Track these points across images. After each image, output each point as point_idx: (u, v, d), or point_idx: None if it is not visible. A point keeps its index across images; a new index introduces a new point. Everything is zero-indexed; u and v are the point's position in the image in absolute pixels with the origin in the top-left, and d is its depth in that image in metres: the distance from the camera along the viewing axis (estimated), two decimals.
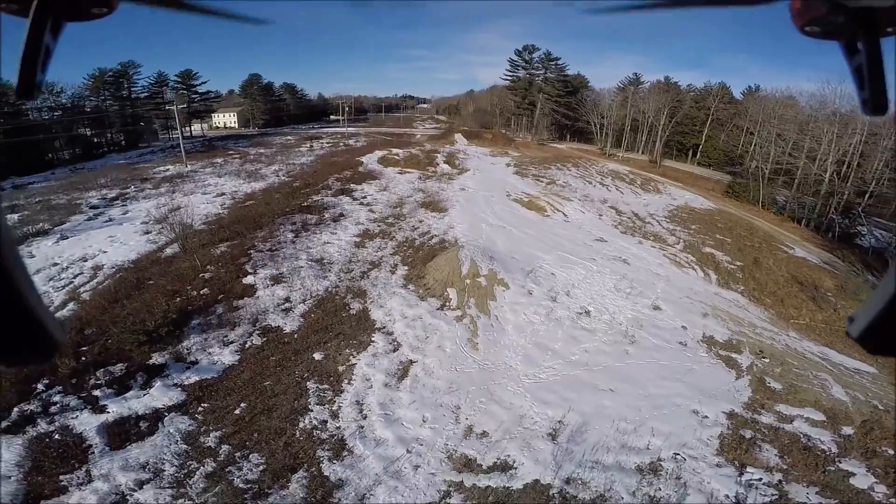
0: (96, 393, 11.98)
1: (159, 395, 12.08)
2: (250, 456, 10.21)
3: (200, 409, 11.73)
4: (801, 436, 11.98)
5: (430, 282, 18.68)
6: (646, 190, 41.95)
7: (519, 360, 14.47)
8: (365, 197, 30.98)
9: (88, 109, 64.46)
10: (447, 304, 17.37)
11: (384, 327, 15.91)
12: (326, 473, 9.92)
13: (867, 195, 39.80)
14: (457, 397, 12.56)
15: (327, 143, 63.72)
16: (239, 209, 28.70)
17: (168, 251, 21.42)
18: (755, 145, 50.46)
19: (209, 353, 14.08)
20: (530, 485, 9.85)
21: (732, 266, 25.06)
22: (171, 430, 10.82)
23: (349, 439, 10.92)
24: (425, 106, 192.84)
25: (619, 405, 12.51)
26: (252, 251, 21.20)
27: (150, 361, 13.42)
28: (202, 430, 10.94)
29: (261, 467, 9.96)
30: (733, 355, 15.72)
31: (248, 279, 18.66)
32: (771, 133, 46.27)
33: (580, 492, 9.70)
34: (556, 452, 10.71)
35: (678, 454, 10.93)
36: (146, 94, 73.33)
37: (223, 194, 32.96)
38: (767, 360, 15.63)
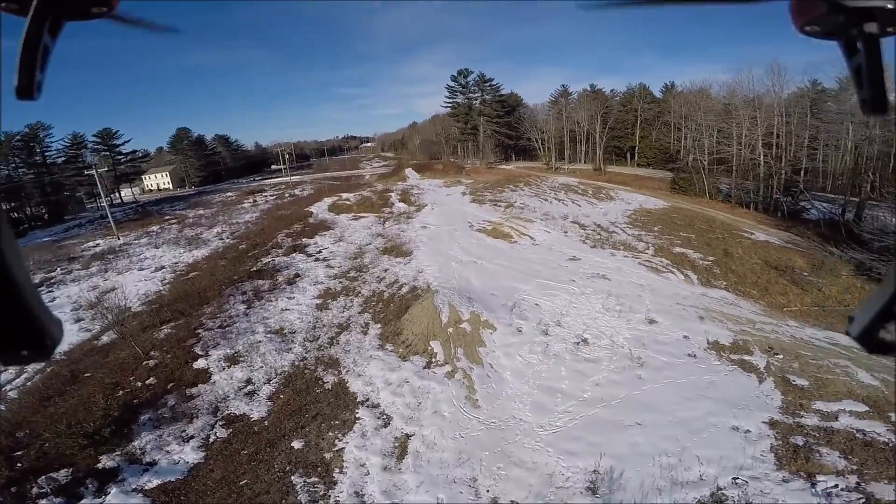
0: (43, 503, 10.47)
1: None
2: None
3: None
4: (855, 431, 11.17)
5: (409, 337, 16.89)
6: (599, 199, 42.55)
7: (528, 411, 12.91)
8: (320, 251, 28.87)
9: None
10: (433, 359, 15.63)
11: (368, 399, 13.96)
12: None
13: (802, 171, 42.50)
14: (470, 468, 10.83)
15: (271, 195, 61.02)
16: (181, 283, 25.87)
17: (104, 339, 19.14)
18: (687, 139, 53.37)
19: (167, 452, 12.06)
20: None
21: (707, 262, 25.17)
22: None
23: None
24: (369, 144, 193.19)
25: (652, 439, 11.25)
26: (200, 330, 18.73)
27: (99, 465, 11.76)
28: None
29: None
30: (745, 357, 15.00)
31: (200, 363, 16.33)
32: (700, 125, 48.81)
33: None
34: None
35: (737, 478, 9.81)
36: (63, 157, 67.12)
37: (162, 268, 29.83)
38: (781, 357, 15.02)
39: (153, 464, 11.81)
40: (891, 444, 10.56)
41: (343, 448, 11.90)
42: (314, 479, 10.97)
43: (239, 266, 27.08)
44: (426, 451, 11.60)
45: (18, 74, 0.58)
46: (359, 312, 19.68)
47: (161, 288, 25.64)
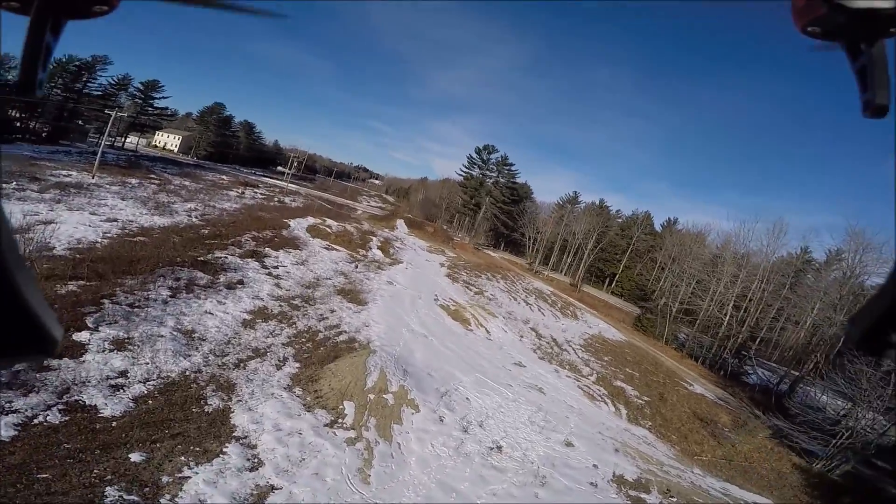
0: None
1: None
2: None
3: None
4: None
5: (323, 388, 15.51)
6: (565, 315, 42.78)
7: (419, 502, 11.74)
8: (277, 267, 27.64)
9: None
10: (340, 420, 14.22)
11: (246, 437, 12.37)
12: None
13: (758, 339, 44.71)
14: None
15: (261, 193, 60.23)
16: (122, 243, 24.19)
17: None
18: (665, 281, 55.21)
19: None
20: None
21: (640, 401, 26.02)
22: None
23: None
24: (377, 182, 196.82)
25: None
26: (107, 300, 16.95)
27: None
28: None
29: None
30: (642, 495, 15.43)
31: (82, 335, 14.41)
32: (683, 271, 50.74)
33: None
34: None
35: None
36: (100, 92, 66.53)
37: (114, 220, 28.12)
38: (675, 500, 15.71)
39: None
40: None
41: (189, 477, 10.23)
42: (134, 496, 9.30)
43: (189, 250, 25.60)
44: None
45: (20, 72, 0.59)
46: (283, 344, 18.25)
47: (98, 240, 23.85)
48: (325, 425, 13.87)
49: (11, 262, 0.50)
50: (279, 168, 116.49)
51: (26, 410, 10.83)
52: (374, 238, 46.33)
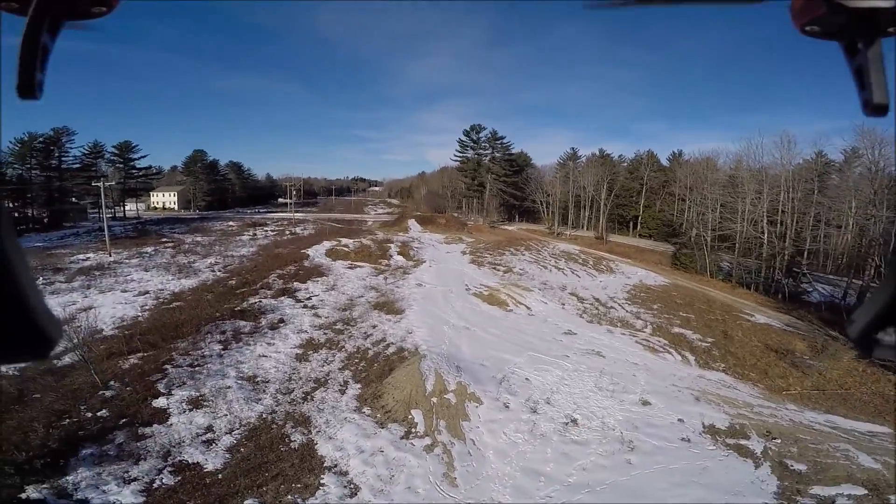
0: None
1: None
2: None
3: None
4: None
5: (389, 402, 15.73)
6: (600, 271, 42.17)
7: (509, 494, 11.84)
8: (310, 298, 28.01)
9: (11, 178, 57.59)
10: (413, 430, 14.46)
11: (336, 465, 12.76)
12: None
13: (805, 252, 42.16)
14: None
15: (272, 230, 60.98)
16: (161, 312, 24.87)
17: (65, 360, 17.55)
18: (691, 210, 53.46)
19: (103, 492, 10.89)
20: None
21: (705, 343, 24.61)
22: None
23: None
24: (377, 189, 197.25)
25: None
26: (168, 366, 17.65)
27: (24, 495, 10.70)
28: None
29: None
30: (742, 442, 14.65)
31: (160, 401, 15.20)
32: (705, 198, 48.79)
33: None
34: None
35: None
36: (78, 165, 67.10)
37: (146, 293, 28.86)
38: (779, 441, 14.78)
39: (84, 502, 10.64)
40: None
41: None
42: None
43: (224, 303, 26.16)
44: None
45: (19, 74, 0.58)
46: (339, 369, 18.57)
47: (139, 314, 24.60)
48: (401, 437, 14.14)
49: (16, 265, 0.50)
50: (279, 200, 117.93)
51: (143, 477, 11.65)
52: (392, 245, 46.48)
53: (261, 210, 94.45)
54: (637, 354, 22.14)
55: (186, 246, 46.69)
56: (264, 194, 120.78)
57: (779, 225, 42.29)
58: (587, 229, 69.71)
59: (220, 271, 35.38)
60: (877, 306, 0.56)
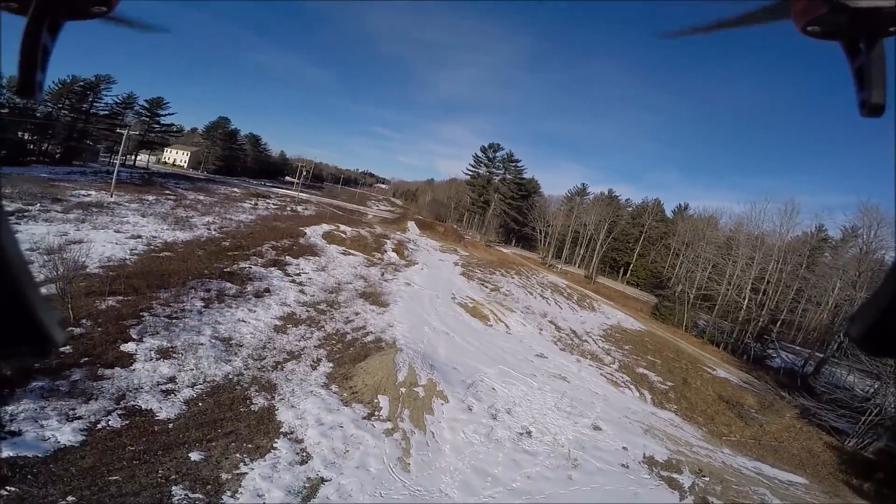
0: None
1: None
2: None
3: (4, 493, 8.51)
4: None
5: (358, 385, 16.13)
6: (582, 307, 42.97)
7: (456, 488, 12.31)
8: (299, 274, 28.39)
9: (39, 115, 57.87)
10: (376, 413, 14.86)
11: (292, 433, 13.06)
12: None
13: (779, 322, 43.69)
14: None
15: (274, 204, 61.31)
16: (150, 259, 25.07)
17: (42, 290, 17.53)
18: (682, 267, 54.72)
19: (41, 426, 10.75)
20: None
21: (664, 386, 26.10)
22: None
23: None
24: (383, 186, 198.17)
25: None
26: (146, 313, 17.79)
27: None
28: None
29: None
30: (674, 475, 15.59)
31: (129, 346, 15.25)
32: (698, 256, 50.19)
33: None
34: None
35: None
36: (107, 112, 67.89)
37: (138, 237, 29.05)
38: (707, 479, 15.87)
39: (16, 434, 10.39)
40: None
41: (245, 473, 10.89)
42: (198, 494, 9.91)
43: (214, 262, 26.43)
44: (338, 500, 10.66)
45: (19, 74, 0.59)
46: (315, 346, 18.93)
47: (127, 257, 24.75)
48: (364, 418, 14.51)
49: (14, 263, 0.50)
50: (287, 178, 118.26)
51: (89, 416, 11.59)
52: (388, 241, 46.96)
53: (267, 183, 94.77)
54: (600, 385, 23.20)
55: (188, 202, 46.93)
56: (274, 169, 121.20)
57: (761, 294, 43.81)
58: (579, 266, 70.73)
59: (215, 231, 35.60)
60: (878, 305, 0.56)
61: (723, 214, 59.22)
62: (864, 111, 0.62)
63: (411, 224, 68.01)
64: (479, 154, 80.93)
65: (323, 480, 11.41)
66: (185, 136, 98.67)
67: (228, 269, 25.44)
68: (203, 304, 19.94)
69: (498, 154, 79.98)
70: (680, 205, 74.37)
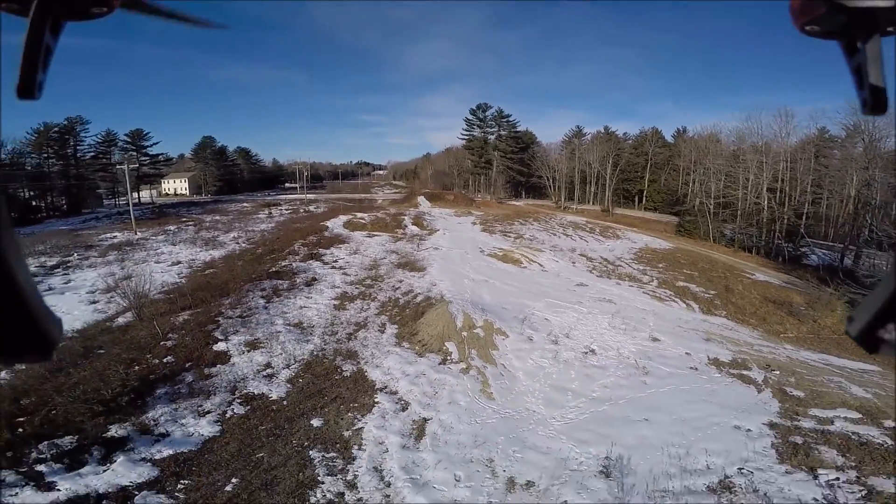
0: (41, 468, 10.11)
1: (124, 471, 10.12)
2: None
3: (181, 486, 9.76)
4: (850, 434, 11.78)
5: (424, 338, 17.56)
6: (606, 237, 43.74)
7: (541, 404, 13.55)
8: (336, 261, 29.83)
9: (29, 167, 59.34)
10: (448, 358, 16.28)
11: (386, 387, 14.49)
12: None
13: (804, 217, 43.90)
14: (486, 450, 11.26)
15: (286, 209, 62.65)
16: (199, 277, 26.69)
17: (120, 321, 19.34)
18: (695, 182, 54.98)
19: (182, 425, 12.19)
20: None
21: (708, 295, 26.60)
22: None
23: None
24: (381, 172, 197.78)
25: (659, 433, 11.88)
26: (220, 318, 19.41)
27: (108, 434, 11.61)
28: None
29: None
30: (744, 372, 16.01)
31: (220, 346, 16.89)
32: (708, 169, 50.39)
33: None
34: (617, 488, 9.70)
35: (742, 469, 10.34)
36: (92, 153, 68.97)
37: (179, 262, 30.71)
38: (778, 372, 16.05)
39: (165, 435, 11.82)
40: (885, 445, 11.12)
41: (362, 427, 12.30)
42: (332, 454, 11.25)
43: (257, 267, 27.94)
44: (443, 433, 12.04)
45: (20, 74, 0.59)
46: (375, 314, 20.39)
47: (178, 280, 26.39)
48: (440, 364, 15.94)
49: (13, 264, 0.50)
50: (286, 185, 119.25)
51: (216, 409, 13.12)
52: (405, 217, 48.08)
53: (270, 193, 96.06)
54: (645, 302, 23.96)
55: (207, 223, 48.43)
56: (271, 178, 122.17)
57: (779, 193, 43.83)
58: (593, 204, 70.94)
59: (244, 243, 37.17)
60: (878, 303, 0.56)
61: (721, 131, 58.53)
62: (864, 110, 0.63)
63: (421, 199, 68.83)
64: (470, 117, 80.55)
65: (426, 420, 12.72)
66: (175, 163, 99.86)
67: (274, 270, 26.93)
68: (265, 301, 21.46)
69: (488, 112, 79.44)
70: (679, 129, 73.62)
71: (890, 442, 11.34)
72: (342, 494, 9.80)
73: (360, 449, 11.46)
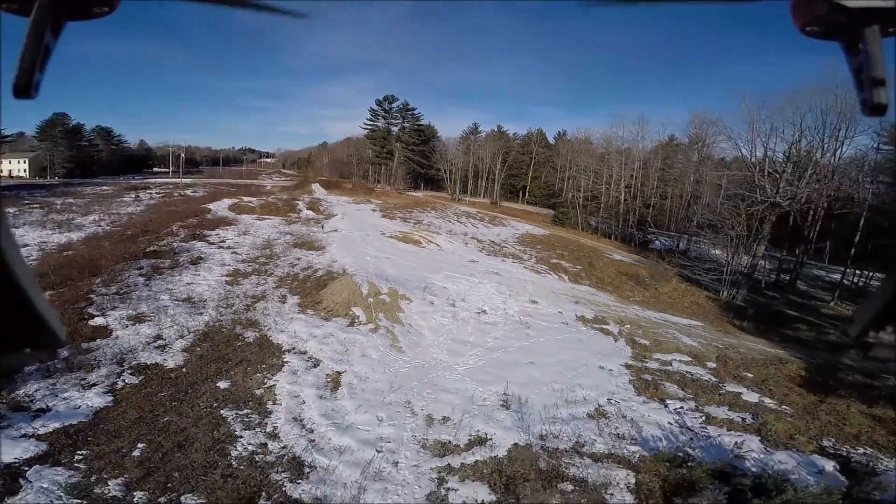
0: None
1: (6, 449, 9.25)
2: (183, 497, 8.24)
3: (79, 456, 9.12)
4: (685, 373, 15.27)
5: (330, 304, 18.04)
6: (494, 224, 47.90)
7: (446, 354, 15.21)
8: (224, 241, 28.13)
9: None
10: (357, 320, 17.04)
11: (294, 348, 14.73)
12: (296, 496, 8.54)
13: (651, 208, 53.98)
14: (403, 394, 12.38)
15: (157, 193, 56.02)
16: (53, 258, 23.25)
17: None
18: (570, 179, 63.45)
19: (65, 399, 11.15)
20: (513, 449, 10.23)
21: (575, 269, 31.66)
22: (45, 485, 8.15)
23: (304, 455, 9.68)
24: (270, 160, 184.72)
25: (543, 373, 14.24)
26: (92, 295, 17.54)
27: None
28: (94, 479, 8.49)
29: None
30: (604, 326, 19.65)
31: (98, 320, 15.47)
32: (580, 168, 59.07)
33: (558, 443, 10.54)
34: (517, 418, 11.51)
35: (611, 399, 12.91)
36: None
37: (25, 245, 26.22)
38: (629, 326, 19.95)
39: (46, 409, 10.74)
40: (711, 382, 14.73)
41: (274, 384, 12.50)
42: (246, 410, 11.27)
43: (129, 247, 25.11)
44: (359, 383, 12.85)
45: (18, 74, 0.58)
46: (274, 287, 20.18)
47: (29, 263, 22.71)
48: (348, 326, 16.68)
49: (15, 264, 0.50)
50: (156, 169, 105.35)
51: (103, 381, 12.12)
52: (300, 202, 46.64)
53: (137, 177, 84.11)
54: (525, 274, 27.73)
55: (58, 207, 41.38)
56: (138, 162, 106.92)
57: (633, 189, 53.32)
58: (483, 197, 76.56)
59: (108, 226, 32.85)
60: (876, 306, 0.57)
61: (593, 134, 68.46)
62: (865, 111, 0.62)
63: (316, 186, 66.77)
64: (376, 107, 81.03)
65: (339, 373, 13.36)
66: (13, 141, 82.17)
67: (150, 249, 24.58)
68: (144, 279, 19.78)
69: (394, 105, 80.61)
70: (559, 132, 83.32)
71: (714, 379, 14.97)
72: (264, 445, 10.03)
73: (275, 404, 11.67)
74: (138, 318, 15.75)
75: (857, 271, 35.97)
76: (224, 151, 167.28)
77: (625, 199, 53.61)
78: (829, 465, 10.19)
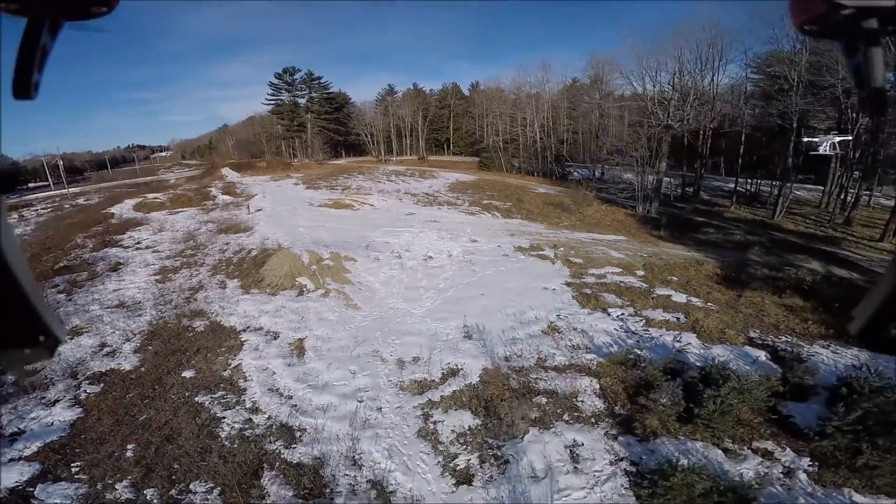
0: None
1: (3, 475, 8.95)
2: (191, 486, 8.34)
3: (75, 468, 8.92)
4: (619, 283, 17.02)
5: (273, 280, 17.72)
6: (425, 178, 48.21)
7: (401, 302, 15.79)
8: (139, 242, 25.91)
9: None
10: (305, 289, 16.97)
11: (248, 327, 14.50)
12: (296, 460, 8.84)
13: (565, 144, 58.06)
14: (369, 345, 12.80)
15: (45, 208, 49.29)
16: None
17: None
18: (488, 126, 65.33)
19: (34, 419, 10.62)
20: (483, 374, 11.10)
21: (506, 206, 33.76)
22: (58, 501, 8.04)
23: (290, 420, 9.96)
24: (165, 154, 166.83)
25: (495, 302, 15.31)
26: None
27: None
28: (100, 486, 8.37)
29: (216, 489, 8.23)
30: (541, 252, 21.18)
31: None
32: (496, 115, 61.43)
33: (523, 362, 11.59)
34: (481, 345, 12.46)
35: (559, 315, 14.19)
36: None
37: None
38: (562, 249, 21.62)
39: (21, 432, 10.24)
40: (642, 288, 16.48)
41: (240, 363, 12.43)
42: (220, 392, 11.24)
43: (35, 268, 22.55)
44: (323, 344, 13.11)
45: (16, 74, 0.59)
46: (209, 276, 19.35)
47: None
48: (297, 296, 16.61)
49: (14, 264, 0.50)
50: (31, 185, 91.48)
51: (64, 396, 11.43)
52: (213, 189, 43.53)
53: (11, 197, 72.60)
54: (462, 217, 28.98)
55: None
56: (7, 180, 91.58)
57: (547, 129, 56.85)
58: (410, 154, 76.22)
59: None
60: (878, 301, 0.56)
61: (503, 82, 70.22)
62: (864, 109, 0.62)
63: (226, 170, 61.87)
64: (276, 81, 75.45)
65: (301, 340, 13.47)
66: None
67: (60, 266, 22.20)
68: (65, 295, 18.08)
69: (296, 76, 75.45)
70: (473, 83, 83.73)
71: (645, 285, 16.74)
72: (249, 420, 10.14)
73: (246, 380, 11.68)
74: (75, 332, 14.62)
75: (748, 179, 42.44)
76: (109, 153, 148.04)
77: (541, 139, 56.99)
78: (762, 355, 11.52)
